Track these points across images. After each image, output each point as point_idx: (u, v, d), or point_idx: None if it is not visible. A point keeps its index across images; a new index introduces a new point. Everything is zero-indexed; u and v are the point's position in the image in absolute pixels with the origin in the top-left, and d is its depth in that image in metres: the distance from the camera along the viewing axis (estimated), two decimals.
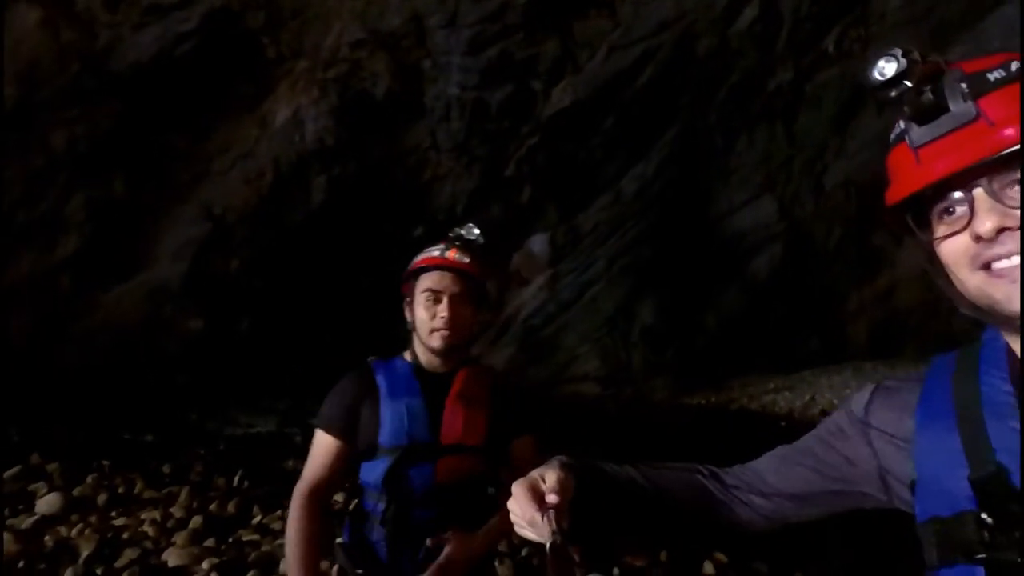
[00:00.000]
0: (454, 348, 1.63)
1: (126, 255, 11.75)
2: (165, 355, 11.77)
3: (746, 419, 11.99)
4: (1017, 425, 0.64)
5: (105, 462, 6.77)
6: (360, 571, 1.59)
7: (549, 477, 0.76)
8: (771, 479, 0.88)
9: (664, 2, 13.62)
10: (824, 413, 12.11)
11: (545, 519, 0.72)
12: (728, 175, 15.88)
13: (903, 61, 0.64)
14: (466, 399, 1.64)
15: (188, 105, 11.91)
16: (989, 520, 0.62)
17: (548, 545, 0.71)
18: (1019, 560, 0.59)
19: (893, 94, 0.66)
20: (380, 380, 1.64)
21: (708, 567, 4.53)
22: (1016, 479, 0.62)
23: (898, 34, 14.16)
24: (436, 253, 1.65)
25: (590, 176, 15.03)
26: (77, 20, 11.16)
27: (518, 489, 0.75)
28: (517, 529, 0.77)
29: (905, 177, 0.70)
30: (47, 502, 5.06)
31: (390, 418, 1.59)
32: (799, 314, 15.98)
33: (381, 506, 1.60)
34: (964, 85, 0.64)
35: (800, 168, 16.05)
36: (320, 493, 1.59)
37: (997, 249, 0.64)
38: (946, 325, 14.87)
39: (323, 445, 1.61)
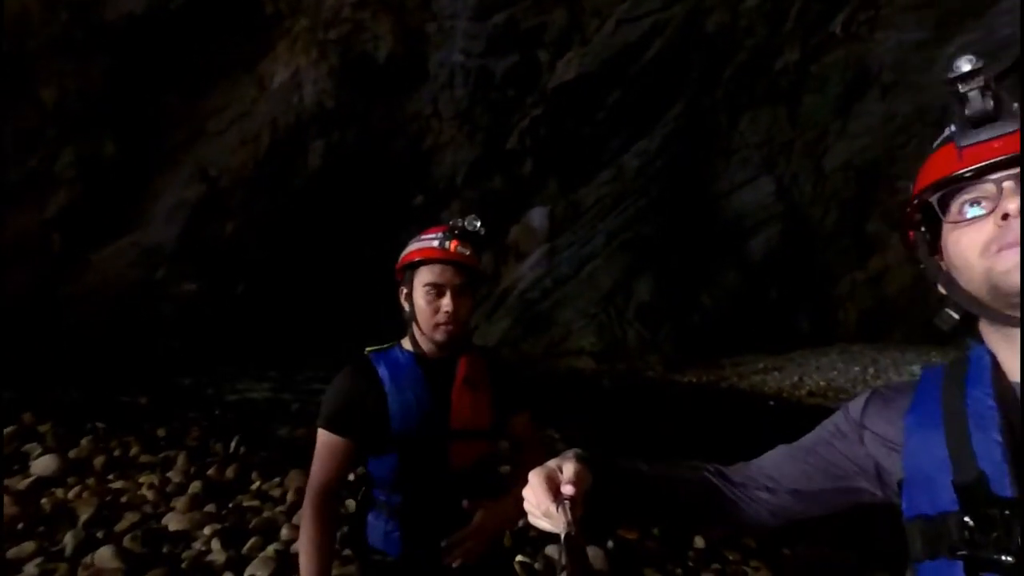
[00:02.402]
0: (456, 339, 1.61)
1: (118, 215, 11.54)
2: (159, 318, 11.67)
3: (736, 398, 12.16)
4: (998, 437, 0.70)
5: (99, 424, 6.73)
6: (387, 556, 1.58)
7: (567, 469, 0.76)
8: (776, 475, 0.92)
9: None
10: (811, 394, 12.37)
11: (560, 510, 0.72)
12: (730, 154, 15.84)
13: (980, 62, 0.71)
14: (471, 384, 1.63)
15: (183, 62, 11.59)
16: (970, 522, 0.68)
17: (563, 536, 0.70)
18: (995, 558, 0.65)
19: (962, 89, 0.72)
20: (382, 371, 1.59)
21: (698, 541, 4.59)
22: (995, 486, 0.68)
23: (907, 18, 14.02)
24: (435, 244, 1.59)
25: (593, 150, 14.93)
26: None
27: (535, 479, 0.75)
28: (531, 519, 0.76)
29: (945, 167, 0.75)
30: (43, 464, 4.99)
31: (399, 409, 1.56)
32: (792, 295, 16.13)
33: (395, 496, 1.58)
34: (1016, 105, 0.71)
35: (801, 150, 16.03)
36: (332, 495, 1.57)
37: (1013, 233, 0.69)
38: (933, 312, 15.07)
39: (329, 445, 1.57)
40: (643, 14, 13.67)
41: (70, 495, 4.46)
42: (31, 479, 4.67)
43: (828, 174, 16.31)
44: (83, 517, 4.01)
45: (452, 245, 1.57)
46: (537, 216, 15.17)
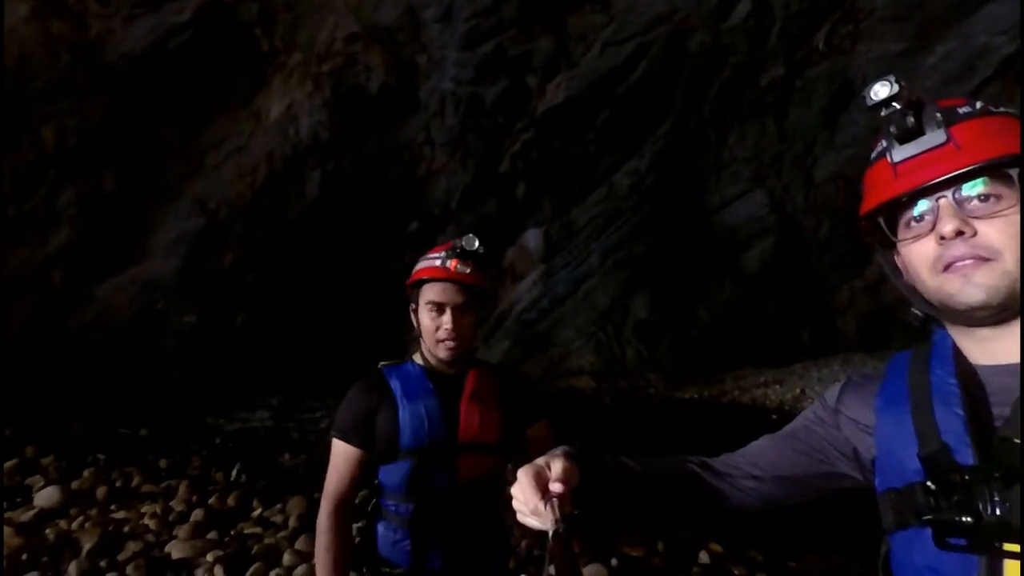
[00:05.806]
0: (459, 355, 1.68)
1: (118, 250, 11.66)
2: (159, 350, 11.73)
3: (738, 412, 12.07)
4: (960, 411, 0.75)
5: (101, 456, 6.78)
6: (396, 567, 1.62)
7: (555, 466, 0.77)
8: (761, 463, 0.95)
9: None
10: None
11: (548, 507, 0.71)
12: (720, 169, 15.97)
13: (895, 86, 0.76)
14: (480, 398, 1.68)
15: (181, 99, 11.81)
16: (934, 487, 0.73)
17: (551, 533, 0.69)
18: (957, 520, 0.70)
19: (883, 113, 0.78)
20: (394, 384, 1.66)
21: (703, 557, 4.56)
22: (957, 456, 0.73)
23: (887, 30, 14.27)
24: (437, 263, 1.65)
25: (584, 171, 15.08)
26: (68, 12, 11.00)
27: (523, 476, 0.75)
28: (520, 517, 0.76)
29: (884, 187, 0.80)
30: (46, 495, 5.06)
31: (410, 421, 1.61)
32: (790, 307, 16.11)
33: (404, 507, 1.62)
34: (939, 115, 0.76)
35: (791, 162, 16.14)
36: (346, 503, 1.62)
37: (954, 251, 0.75)
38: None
39: (343, 455, 1.63)
40: (627, 37, 13.93)
41: (73, 526, 4.51)
42: (34, 511, 4.74)
43: (819, 185, 16.40)
44: (86, 547, 4.07)
45: (452, 264, 1.64)
46: (532, 238, 15.26)
